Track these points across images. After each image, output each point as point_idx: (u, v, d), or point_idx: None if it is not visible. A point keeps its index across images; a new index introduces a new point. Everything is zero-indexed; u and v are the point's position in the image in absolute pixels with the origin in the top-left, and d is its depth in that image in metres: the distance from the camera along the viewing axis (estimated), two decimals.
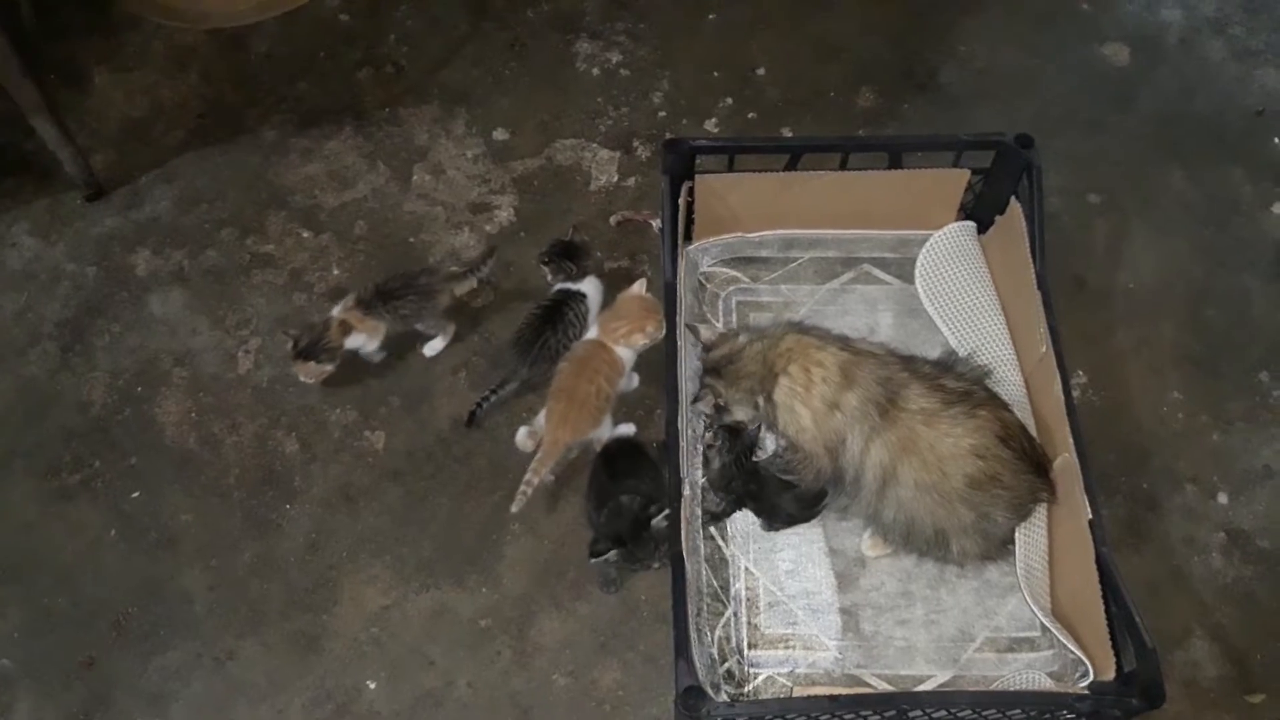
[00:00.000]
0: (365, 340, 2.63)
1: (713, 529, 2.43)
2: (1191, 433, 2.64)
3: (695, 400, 2.33)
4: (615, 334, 2.55)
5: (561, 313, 2.64)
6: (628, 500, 2.28)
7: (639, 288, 2.61)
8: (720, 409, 2.31)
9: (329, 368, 2.59)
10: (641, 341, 2.56)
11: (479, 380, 2.72)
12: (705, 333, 2.40)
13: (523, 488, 2.43)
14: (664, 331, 2.51)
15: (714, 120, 3.20)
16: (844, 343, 2.24)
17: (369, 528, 2.54)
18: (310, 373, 2.58)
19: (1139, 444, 2.62)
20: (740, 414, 2.30)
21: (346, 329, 2.58)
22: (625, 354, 2.57)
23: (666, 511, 2.18)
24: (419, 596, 2.45)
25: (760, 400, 2.25)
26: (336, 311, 2.59)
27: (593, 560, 2.25)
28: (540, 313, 2.65)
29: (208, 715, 2.33)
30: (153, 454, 2.65)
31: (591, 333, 2.60)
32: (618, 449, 2.50)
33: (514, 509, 2.44)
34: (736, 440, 2.36)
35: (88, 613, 2.45)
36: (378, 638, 2.40)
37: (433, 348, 2.75)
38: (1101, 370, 2.72)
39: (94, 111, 3.24)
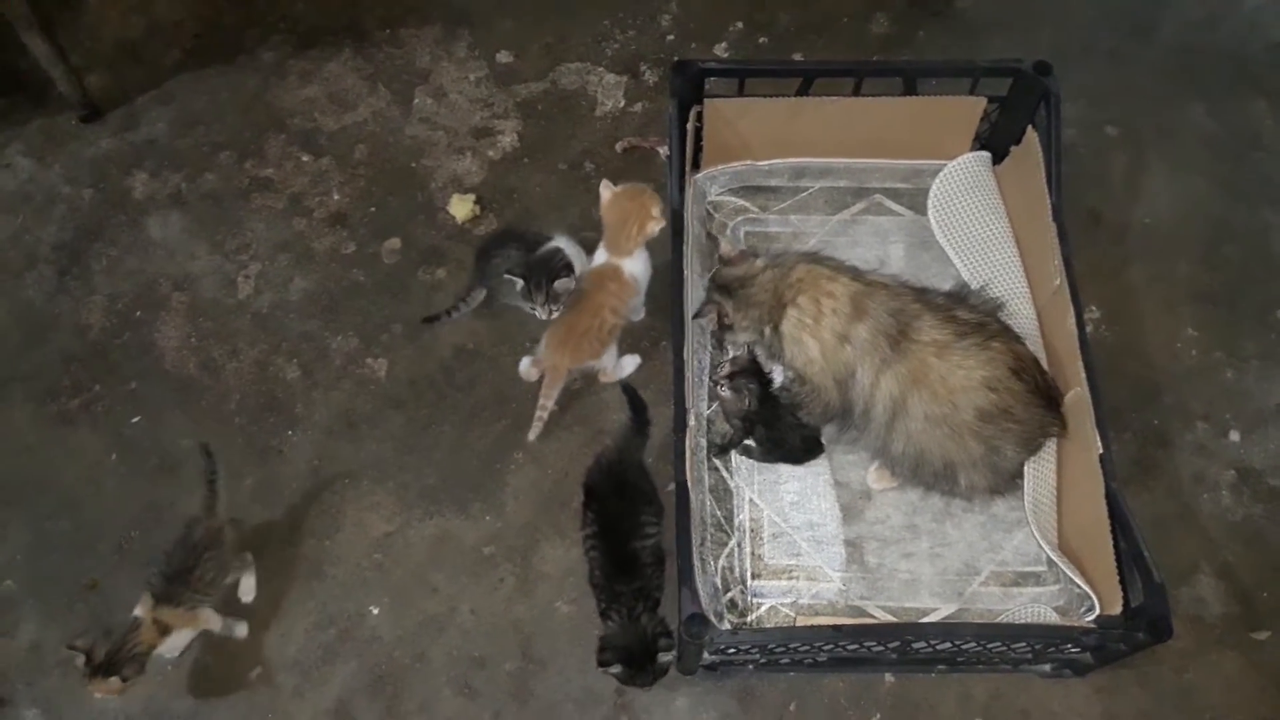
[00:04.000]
0: (189, 635, 2.26)
1: (717, 460, 2.41)
2: (1205, 370, 2.61)
3: (697, 315, 2.29)
4: (631, 241, 2.45)
5: (519, 231, 2.59)
6: (646, 621, 2.15)
7: (605, 190, 2.48)
8: (724, 327, 2.27)
9: (134, 679, 2.14)
10: (659, 226, 2.46)
11: (482, 308, 2.67)
12: (725, 246, 2.35)
13: (538, 414, 2.43)
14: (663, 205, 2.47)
15: (724, 45, 3.11)
16: (856, 273, 2.20)
17: (371, 455, 2.52)
18: (110, 689, 2.12)
19: (1151, 380, 2.58)
20: (743, 337, 2.27)
21: (164, 629, 2.17)
22: (640, 269, 2.50)
23: (674, 652, 2.13)
24: (422, 523, 2.44)
25: (766, 330, 2.21)
26: (140, 611, 2.18)
27: (600, 668, 2.16)
28: (500, 229, 2.64)
29: (211, 639, 2.32)
30: (153, 379, 2.63)
31: (600, 258, 2.52)
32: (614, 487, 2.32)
33: (531, 437, 2.44)
34: (753, 378, 2.34)
35: (90, 536, 2.44)
36: (380, 564, 2.40)
37: (248, 589, 2.38)
38: (1115, 305, 2.67)
39: (88, 30, 3.17)
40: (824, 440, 2.39)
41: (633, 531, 2.24)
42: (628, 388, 2.47)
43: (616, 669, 2.12)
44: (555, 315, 2.44)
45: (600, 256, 2.52)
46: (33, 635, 2.34)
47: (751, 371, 2.33)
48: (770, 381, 2.36)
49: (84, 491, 2.50)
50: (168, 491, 2.49)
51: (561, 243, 2.52)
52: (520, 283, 2.41)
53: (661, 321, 2.60)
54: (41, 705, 2.28)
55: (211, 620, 2.27)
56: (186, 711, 2.27)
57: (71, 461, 2.53)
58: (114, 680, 2.11)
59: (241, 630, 2.33)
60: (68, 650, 2.15)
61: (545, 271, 2.41)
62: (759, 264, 2.24)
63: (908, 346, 2.11)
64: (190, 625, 2.24)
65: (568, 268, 2.44)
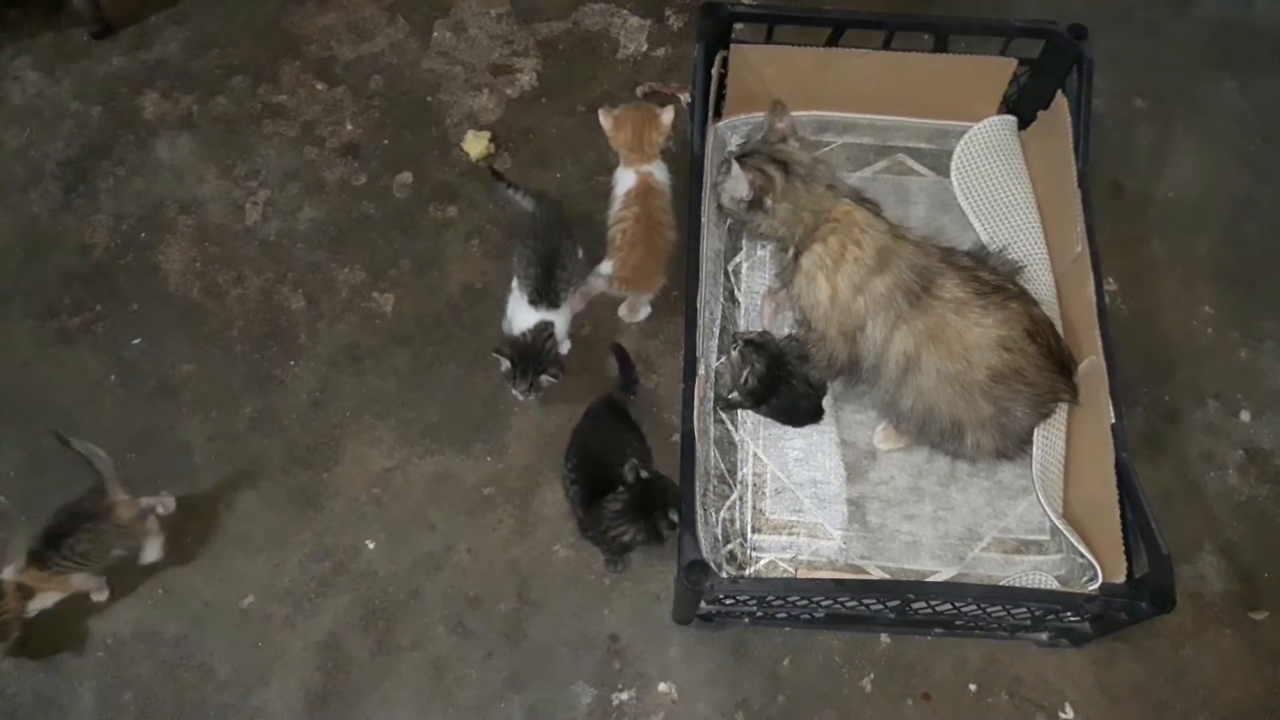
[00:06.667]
0: (57, 597, 2.20)
1: (723, 414, 2.39)
2: (1220, 348, 2.58)
3: (742, 158, 2.17)
4: (653, 145, 2.46)
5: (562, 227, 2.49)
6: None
7: (605, 116, 2.48)
8: (757, 205, 2.14)
9: (6, 645, 2.16)
10: (670, 115, 2.47)
11: (492, 249, 2.64)
12: (783, 121, 2.20)
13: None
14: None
15: None
16: (891, 227, 2.15)
17: (374, 390, 2.49)
18: None
19: (1165, 356, 2.55)
20: (767, 226, 2.17)
21: (28, 592, 2.14)
22: (666, 177, 2.51)
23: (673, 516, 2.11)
24: (422, 461, 2.42)
25: (790, 250, 2.17)
26: (8, 574, 2.13)
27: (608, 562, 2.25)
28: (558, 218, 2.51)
29: (203, 563, 2.30)
30: (155, 301, 2.59)
31: (627, 180, 2.47)
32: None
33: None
34: (763, 354, 2.30)
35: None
36: (379, 499, 2.38)
37: (151, 553, 2.30)
38: (1133, 279, 2.64)
39: None
40: (832, 395, 2.37)
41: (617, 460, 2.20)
42: (617, 347, 2.45)
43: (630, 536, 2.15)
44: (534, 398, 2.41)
45: (627, 179, 2.48)
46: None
47: (762, 345, 2.30)
48: (783, 366, 2.30)
49: (81, 411, 2.47)
50: (165, 415, 2.46)
51: (558, 316, 2.41)
52: (506, 363, 2.35)
53: (672, 271, 2.55)
54: (25, 624, 2.24)
55: (84, 583, 2.23)
56: (176, 635, 2.25)
57: (70, 380, 2.50)
58: None
59: (102, 595, 2.27)
60: None
61: (533, 362, 2.34)
62: (822, 169, 2.16)
63: (929, 302, 2.07)
64: (58, 589, 2.18)
65: (557, 363, 2.38)
